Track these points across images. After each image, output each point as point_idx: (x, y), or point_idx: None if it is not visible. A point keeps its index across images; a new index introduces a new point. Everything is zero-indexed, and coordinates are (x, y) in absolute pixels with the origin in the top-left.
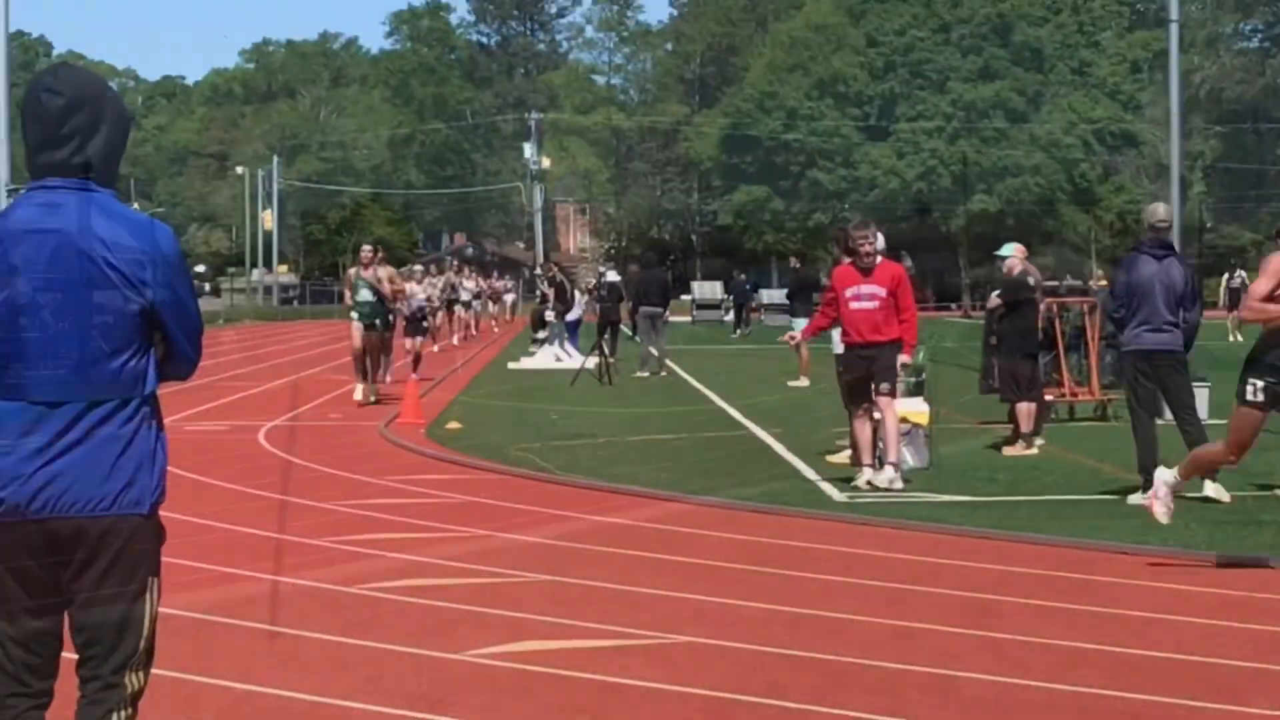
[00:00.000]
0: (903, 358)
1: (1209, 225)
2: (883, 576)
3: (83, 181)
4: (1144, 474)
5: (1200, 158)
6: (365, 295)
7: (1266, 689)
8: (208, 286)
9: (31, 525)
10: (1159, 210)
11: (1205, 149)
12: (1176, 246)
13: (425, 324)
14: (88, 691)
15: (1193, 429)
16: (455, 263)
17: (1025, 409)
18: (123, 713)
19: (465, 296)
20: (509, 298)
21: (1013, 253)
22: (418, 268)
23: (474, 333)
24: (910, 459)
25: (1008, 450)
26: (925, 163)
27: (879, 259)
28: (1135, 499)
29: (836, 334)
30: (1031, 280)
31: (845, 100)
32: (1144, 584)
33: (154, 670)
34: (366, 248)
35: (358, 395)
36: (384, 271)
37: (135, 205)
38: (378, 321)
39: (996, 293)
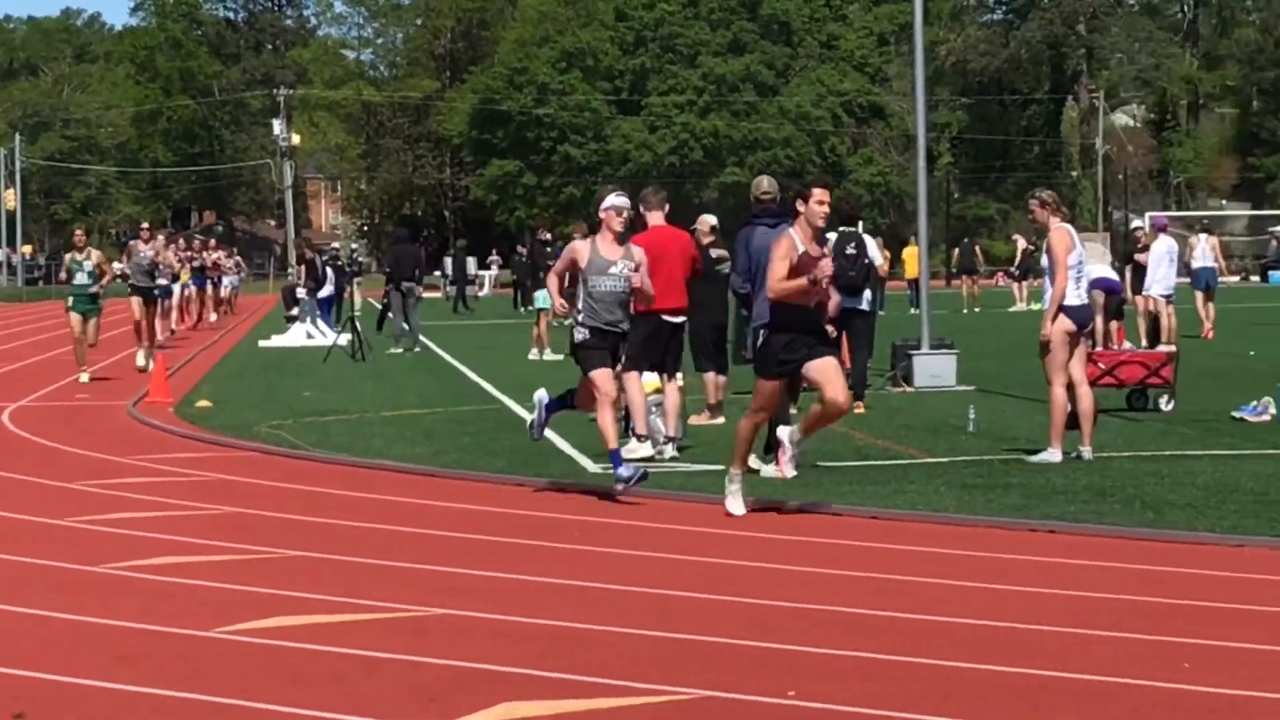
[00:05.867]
0: None
1: (956, 195)
2: (640, 546)
3: None
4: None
5: (947, 129)
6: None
7: (1009, 644)
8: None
9: None
10: (763, 183)
11: (951, 120)
12: (923, 218)
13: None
14: None
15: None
16: (145, 230)
17: (712, 379)
18: None
19: (162, 280)
20: (230, 280)
21: (698, 225)
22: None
23: (174, 327)
24: (662, 430)
25: (694, 419)
26: (677, 136)
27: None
28: (768, 471)
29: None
30: (714, 254)
31: (596, 74)
32: (886, 547)
33: None
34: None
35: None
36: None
37: None
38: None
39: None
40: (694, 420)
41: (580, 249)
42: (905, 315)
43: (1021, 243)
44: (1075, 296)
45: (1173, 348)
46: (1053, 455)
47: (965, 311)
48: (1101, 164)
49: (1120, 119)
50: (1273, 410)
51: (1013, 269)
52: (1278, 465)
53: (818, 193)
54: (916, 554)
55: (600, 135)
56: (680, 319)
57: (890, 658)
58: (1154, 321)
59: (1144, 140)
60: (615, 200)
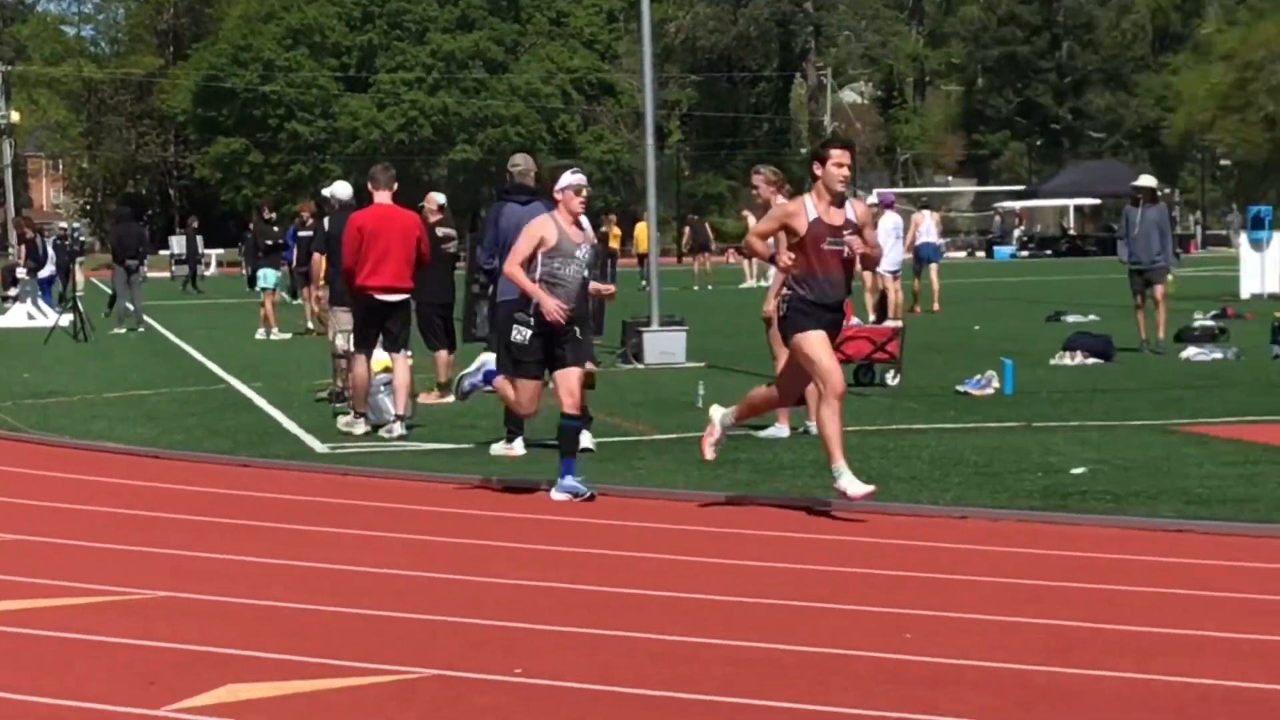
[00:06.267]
0: None
1: (686, 173)
2: (363, 525)
3: None
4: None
5: (677, 106)
6: None
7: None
8: None
9: None
10: (517, 159)
11: (681, 98)
12: (653, 195)
13: None
14: None
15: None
16: None
17: (443, 358)
18: None
19: None
20: None
21: (426, 203)
22: None
23: None
24: (391, 409)
25: (423, 398)
26: (406, 113)
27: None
28: (497, 449)
29: None
30: (440, 233)
31: (323, 51)
32: (613, 523)
33: None
34: None
35: None
36: None
37: None
38: None
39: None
40: (423, 399)
41: (547, 227)
42: (637, 292)
43: (752, 220)
44: None
45: (899, 323)
46: (780, 430)
47: (696, 288)
48: None
49: (848, 96)
50: (996, 384)
51: (743, 245)
52: (1000, 438)
53: (836, 154)
54: (644, 530)
55: (328, 112)
56: (397, 298)
57: (615, 633)
58: (881, 297)
59: (871, 117)
60: (573, 178)
